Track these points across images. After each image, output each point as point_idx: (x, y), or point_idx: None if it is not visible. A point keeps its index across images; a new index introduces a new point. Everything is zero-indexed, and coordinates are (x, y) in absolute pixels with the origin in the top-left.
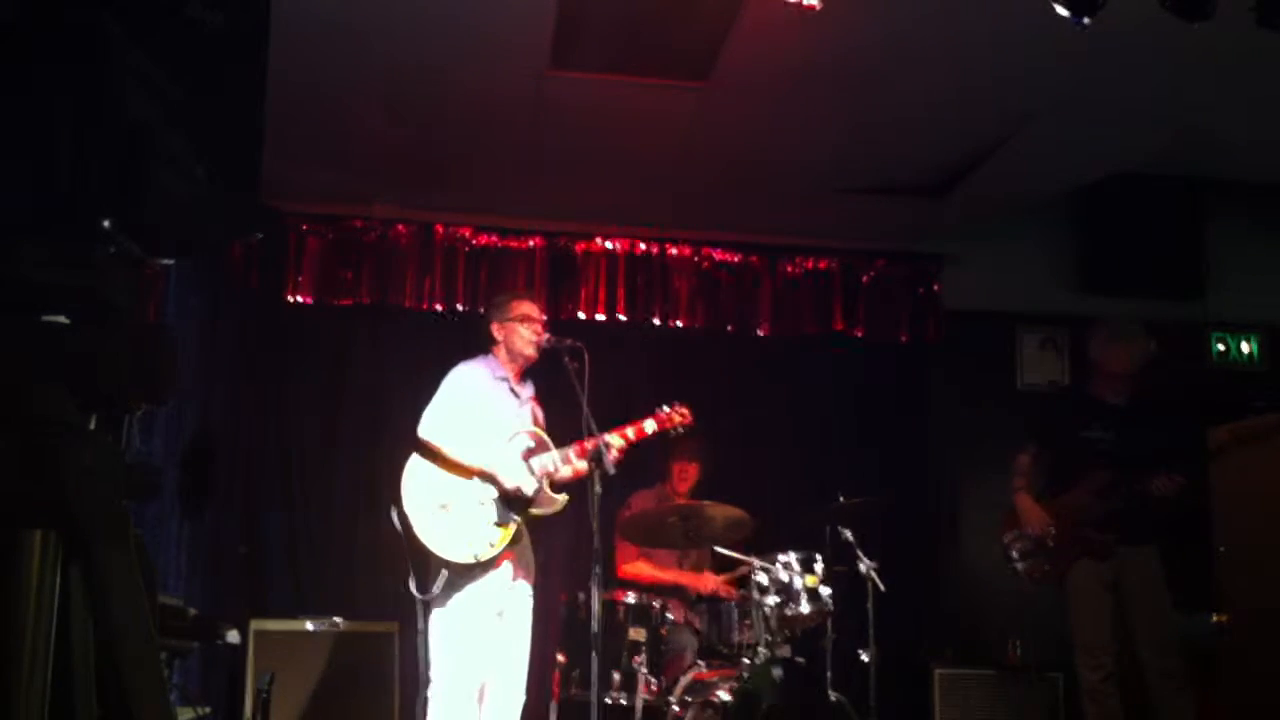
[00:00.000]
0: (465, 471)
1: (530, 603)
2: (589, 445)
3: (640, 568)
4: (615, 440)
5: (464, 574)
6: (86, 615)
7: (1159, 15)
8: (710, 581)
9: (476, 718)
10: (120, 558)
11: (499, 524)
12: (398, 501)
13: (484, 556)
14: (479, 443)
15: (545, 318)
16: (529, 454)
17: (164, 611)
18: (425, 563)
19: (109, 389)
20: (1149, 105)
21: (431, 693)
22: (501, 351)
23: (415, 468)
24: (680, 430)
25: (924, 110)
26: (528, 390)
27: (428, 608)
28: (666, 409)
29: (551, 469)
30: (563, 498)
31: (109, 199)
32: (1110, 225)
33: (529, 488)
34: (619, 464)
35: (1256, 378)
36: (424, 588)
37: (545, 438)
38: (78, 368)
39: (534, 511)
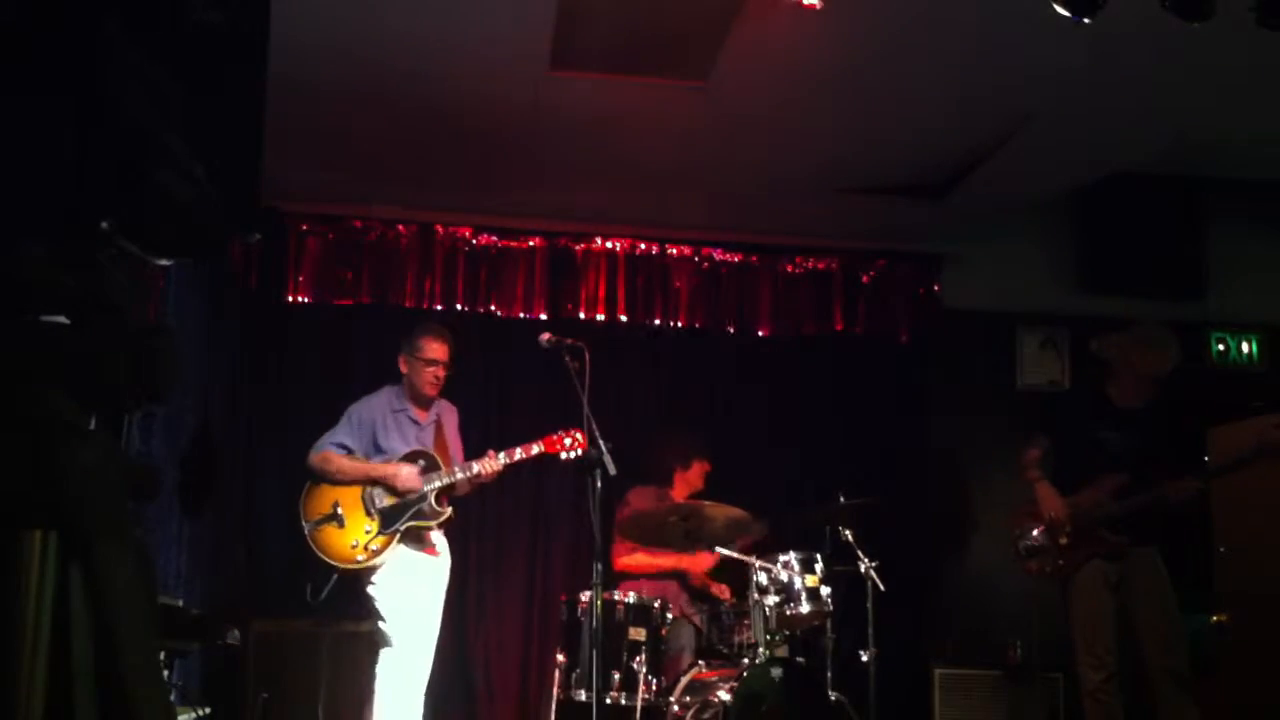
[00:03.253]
0: (355, 482)
1: (445, 572)
2: (483, 463)
3: (637, 558)
4: (492, 465)
5: (352, 581)
6: (86, 615)
7: (1159, 15)
8: (706, 559)
9: None
10: (120, 558)
11: (383, 533)
12: (299, 518)
13: (367, 562)
14: (369, 460)
15: (446, 360)
16: (423, 470)
17: (164, 611)
18: (320, 570)
19: (109, 389)
20: (1149, 105)
21: None
22: (405, 384)
23: (311, 486)
24: (574, 456)
25: (924, 110)
26: (433, 414)
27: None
28: (559, 433)
29: (439, 484)
30: (448, 510)
31: (109, 199)
32: (1110, 225)
33: (418, 490)
34: (493, 479)
35: (1256, 378)
36: (317, 593)
37: (440, 459)
38: (78, 368)
39: (419, 523)
